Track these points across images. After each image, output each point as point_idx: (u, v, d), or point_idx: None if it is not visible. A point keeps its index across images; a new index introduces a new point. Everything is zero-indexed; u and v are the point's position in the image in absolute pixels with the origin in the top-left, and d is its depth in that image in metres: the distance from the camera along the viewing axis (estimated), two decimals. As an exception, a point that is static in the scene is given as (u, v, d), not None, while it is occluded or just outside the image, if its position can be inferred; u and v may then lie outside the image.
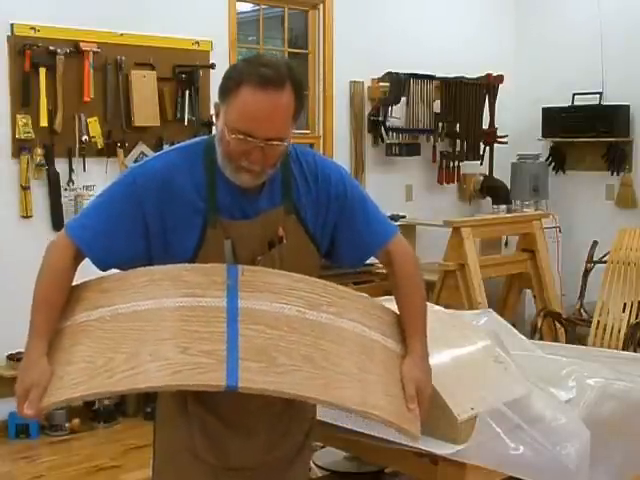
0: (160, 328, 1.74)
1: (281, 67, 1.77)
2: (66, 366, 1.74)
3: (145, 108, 4.75)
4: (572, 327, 4.74)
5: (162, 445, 2.01)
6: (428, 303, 2.07)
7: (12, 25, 4.36)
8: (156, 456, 2.03)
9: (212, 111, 5.03)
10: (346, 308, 1.90)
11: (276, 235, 1.89)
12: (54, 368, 1.75)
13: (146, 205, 1.84)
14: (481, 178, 6.48)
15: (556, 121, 6.25)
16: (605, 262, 4.75)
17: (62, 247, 1.89)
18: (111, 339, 1.74)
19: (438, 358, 2.09)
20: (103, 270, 1.91)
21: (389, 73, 5.87)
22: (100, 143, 4.63)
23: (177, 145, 1.97)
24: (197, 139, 1.98)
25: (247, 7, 5.83)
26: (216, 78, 5.05)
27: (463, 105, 6.23)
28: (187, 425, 1.93)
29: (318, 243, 1.95)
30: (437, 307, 2.53)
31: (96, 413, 4.56)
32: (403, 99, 5.92)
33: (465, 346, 2.25)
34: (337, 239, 1.97)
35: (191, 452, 1.93)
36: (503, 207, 6.34)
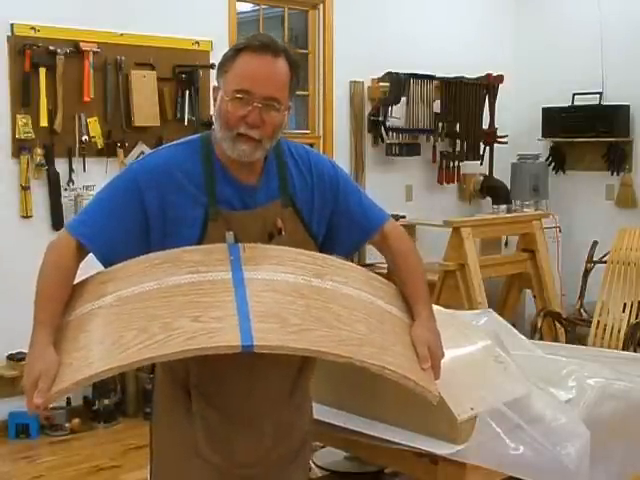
0: (168, 303, 1.74)
1: (277, 41, 1.84)
2: (73, 352, 1.73)
3: (145, 108, 4.75)
4: (572, 327, 4.74)
5: (161, 446, 1.99)
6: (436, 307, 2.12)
7: (12, 25, 4.36)
8: (154, 457, 2.02)
9: (212, 111, 5.02)
10: (349, 278, 1.93)
11: (275, 227, 1.91)
12: (61, 357, 1.73)
13: (147, 200, 1.85)
14: (481, 178, 6.48)
15: (556, 121, 6.25)
16: (605, 262, 4.75)
17: (64, 244, 1.89)
18: (119, 320, 1.73)
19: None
20: (106, 266, 1.91)
21: (389, 73, 5.87)
22: (100, 143, 4.63)
23: (175, 142, 1.99)
24: (193, 136, 2.00)
25: (247, 7, 5.83)
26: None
27: (463, 105, 6.23)
28: (189, 424, 1.92)
29: (315, 234, 1.98)
30: (437, 307, 2.53)
31: (96, 413, 4.57)
32: (403, 99, 5.92)
33: (465, 346, 2.25)
34: (334, 227, 2.02)
35: (194, 452, 1.92)
36: (503, 207, 6.34)
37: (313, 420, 2.10)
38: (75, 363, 1.70)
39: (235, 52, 1.82)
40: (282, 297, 1.78)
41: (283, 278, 1.82)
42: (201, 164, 1.90)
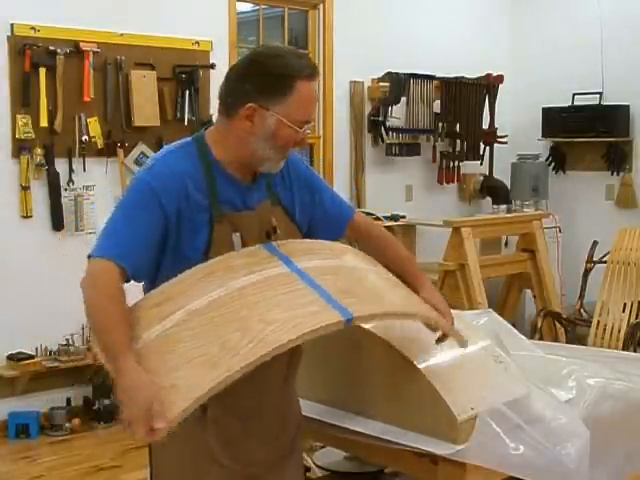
0: (248, 302, 1.75)
1: (309, 58, 1.98)
2: (170, 374, 1.66)
3: (145, 108, 4.75)
4: (572, 327, 4.74)
5: (172, 459, 1.94)
6: None
7: (12, 25, 4.36)
8: (164, 471, 1.97)
9: (212, 111, 4.96)
10: (363, 260, 2.07)
11: (270, 225, 1.97)
12: (158, 383, 1.65)
13: (166, 206, 1.85)
14: (481, 178, 6.48)
15: (556, 121, 6.25)
16: (605, 262, 4.75)
17: (103, 271, 1.81)
18: (207, 330, 1.71)
19: (438, 358, 2.09)
20: (137, 281, 1.90)
21: (389, 73, 5.87)
22: (100, 143, 4.63)
23: (168, 148, 1.97)
24: (185, 140, 1.99)
25: (247, 7, 5.82)
26: (216, 78, 5.05)
27: (463, 105, 6.23)
28: (201, 432, 1.90)
29: (300, 228, 2.05)
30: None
31: (96, 413, 4.56)
32: (403, 99, 5.92)
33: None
34: (313, 224, 2.10)
35: (208, 458, 1.91)
36: (503, 207, 6.34)
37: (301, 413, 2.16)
38: (181, 382, 1.64)
39: (292, 81, 1.86)
40: (337, 277, 1.88)
41: (323, 264, 1.91)
42: (201, 167, 1.91)
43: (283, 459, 2.04)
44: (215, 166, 1.92)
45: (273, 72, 1.86)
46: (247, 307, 1.74)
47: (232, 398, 1.84)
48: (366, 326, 2.17)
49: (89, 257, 1.85)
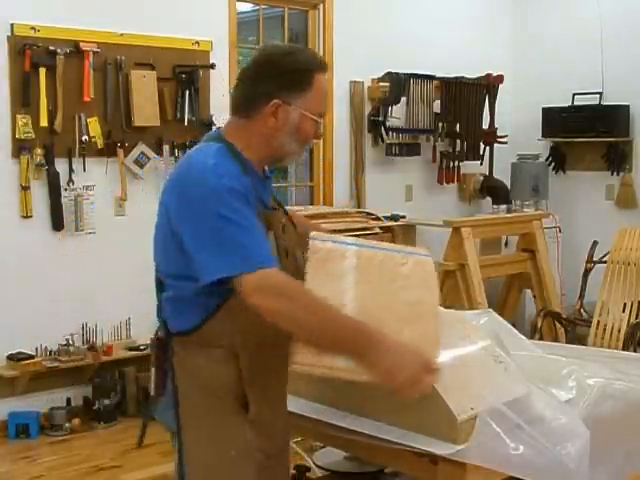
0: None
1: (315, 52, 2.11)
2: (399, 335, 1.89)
3: (145, 108, 4.75)
4: (572, 327, 4.73)
5: (202, 446, 1.95)
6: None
7: (12, 25, 4.36)
8: (198, 457, 1.96)
9: (212, 111, 4.97)
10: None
11: (281, 224, 2.06)
12: None
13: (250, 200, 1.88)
14: (481, 178, 6.48)
15: (556, 121, 6.25)
16: (605, 262, 4.75)
17: (280, 276, 1.80)
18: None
19: (440, 357, 2.10)
20: None
21: (389, 73, 5.87)
22: (100, 143, 4.63)
23: (208, 153, 1.91)
24: (209, 144, 1.97)
25: (247, 7, 5.83)
26: (216, 78, 5.06)
27: (463, 105, 6.23)
28: (240, 424, 1.94)
29: None
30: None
31: (96, 413, 4.57)
32: (403, 99, 5.92)
33: (465, 346, 2.25)
34: None
35: (246, 448, 1.94)
36: (503, 207, 6.34)
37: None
38: (415, 339, 1.92)
39: (311, 75, 1.95)
40: None
41: None
42: (240, 167, 1.91)
43: (285, 449, 2.11)
44: (248, 165, 1.95)
45: (291, 68, 1.94)
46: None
47: (267, 381, 1.97)
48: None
49: (233, 276, 1.78)
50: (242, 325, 1.90)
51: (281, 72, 1.93)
